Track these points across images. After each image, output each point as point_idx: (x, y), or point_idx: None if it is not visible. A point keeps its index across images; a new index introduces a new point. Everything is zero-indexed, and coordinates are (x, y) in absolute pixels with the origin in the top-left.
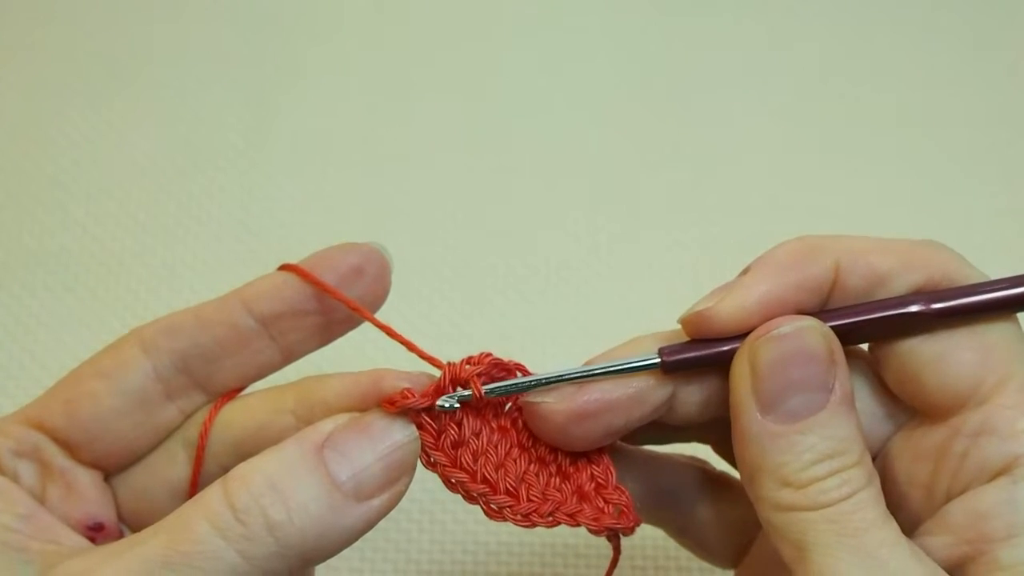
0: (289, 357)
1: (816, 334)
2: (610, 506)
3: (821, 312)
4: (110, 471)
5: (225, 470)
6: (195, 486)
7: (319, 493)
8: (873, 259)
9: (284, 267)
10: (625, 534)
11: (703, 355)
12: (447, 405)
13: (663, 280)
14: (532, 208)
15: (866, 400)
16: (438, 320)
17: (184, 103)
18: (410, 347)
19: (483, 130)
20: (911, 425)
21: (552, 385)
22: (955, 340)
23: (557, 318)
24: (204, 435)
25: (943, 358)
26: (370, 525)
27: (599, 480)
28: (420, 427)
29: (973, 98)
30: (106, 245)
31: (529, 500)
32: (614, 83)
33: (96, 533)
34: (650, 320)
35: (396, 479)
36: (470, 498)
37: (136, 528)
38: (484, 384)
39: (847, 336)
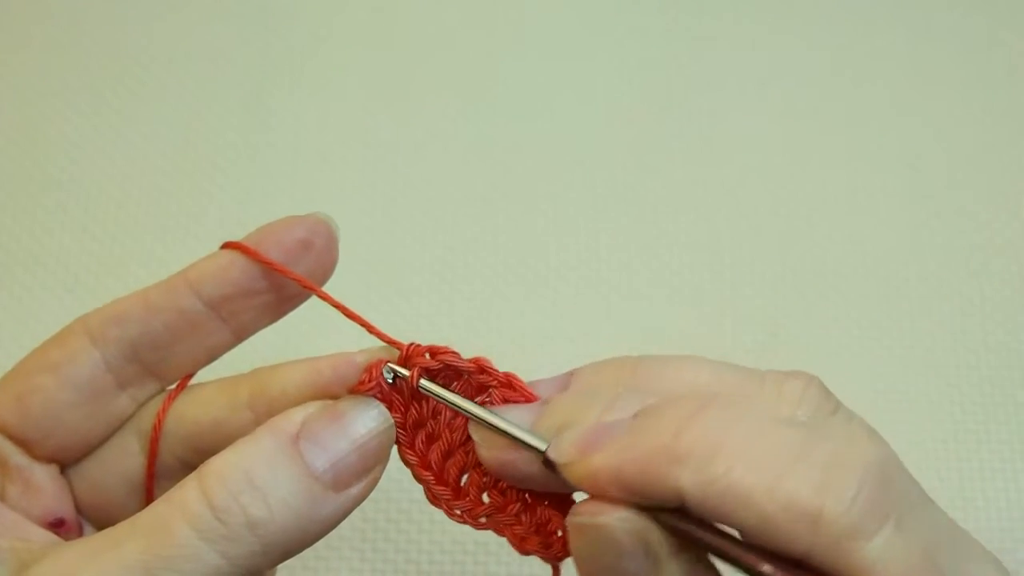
0: (241, 336)
1: (615, 532)
2: (553, 525)
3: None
4: (66, 464)
5: (180, 462)
6: (151, 478)
7: (298, 486)
8: (726, 505)
9: (227, 245)
10: (548, 563)
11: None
12: (387, 377)
13: (663, 280)
14: (532, 208)
15: None
16: (437, 320)
17: (184, 103)
18: (369, 328)
19: (483, 130)
20: None
21: (494, 420)
22: None
23: (557, 317)
24: (158, 427)
25: None
26: (347, 514)
27: (557, 500)
28: (388, 404)
29: (973, 98)
30: (106, 245)
31: (466, 497)
32: (614, 83)
33: (57, 529)
34: (649, 320)
35: (372, 466)
36: (418, 480)
37: (95, 521)
38: (427, 378)
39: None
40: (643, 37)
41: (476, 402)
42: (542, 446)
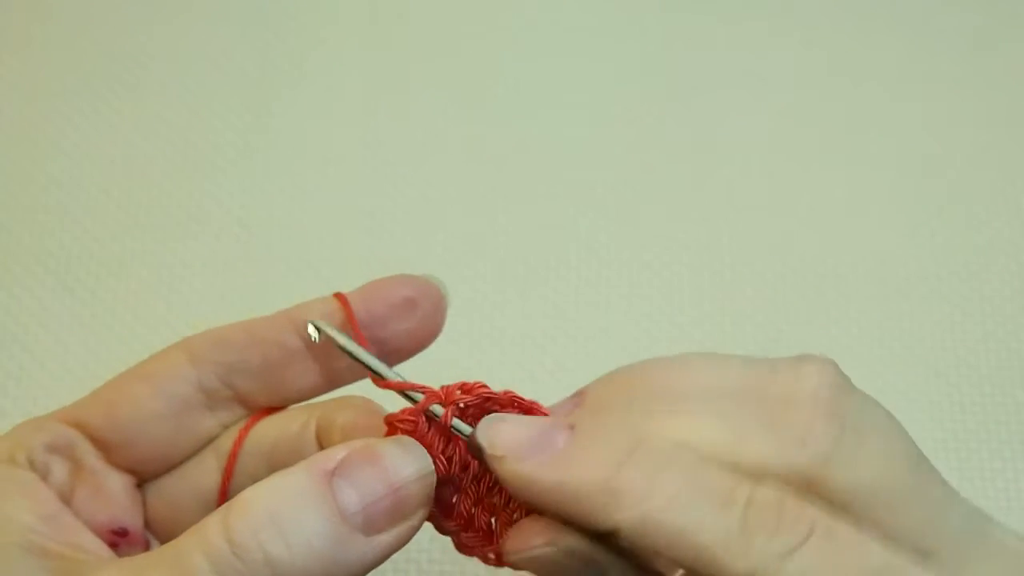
0: (334, 384)
1: (552, 561)
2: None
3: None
4: (143, 477)
5: (256, 480)
6: (223, 498)
7: (325, 526)
8: (669, 544)
9: (337, 296)
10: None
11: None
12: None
13: (663, 279)
14: (532, 207)
15: None
16: None
17: (184, 103)
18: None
19: (483, 130)
20: None
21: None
22: None
23: (557, 317)
24: (236, 446)
25: None
26: (378, 561)
27: None
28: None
29: (973, 98)
30: (106, 245)
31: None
32: (614, 82)
33: (120, 538)
34: (649, 321)
35: (409, 513)
36: (442, 531)
37: (162, 536)
38: (457, 416)
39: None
40: (643, 36)
41: None
42: (466, 431)
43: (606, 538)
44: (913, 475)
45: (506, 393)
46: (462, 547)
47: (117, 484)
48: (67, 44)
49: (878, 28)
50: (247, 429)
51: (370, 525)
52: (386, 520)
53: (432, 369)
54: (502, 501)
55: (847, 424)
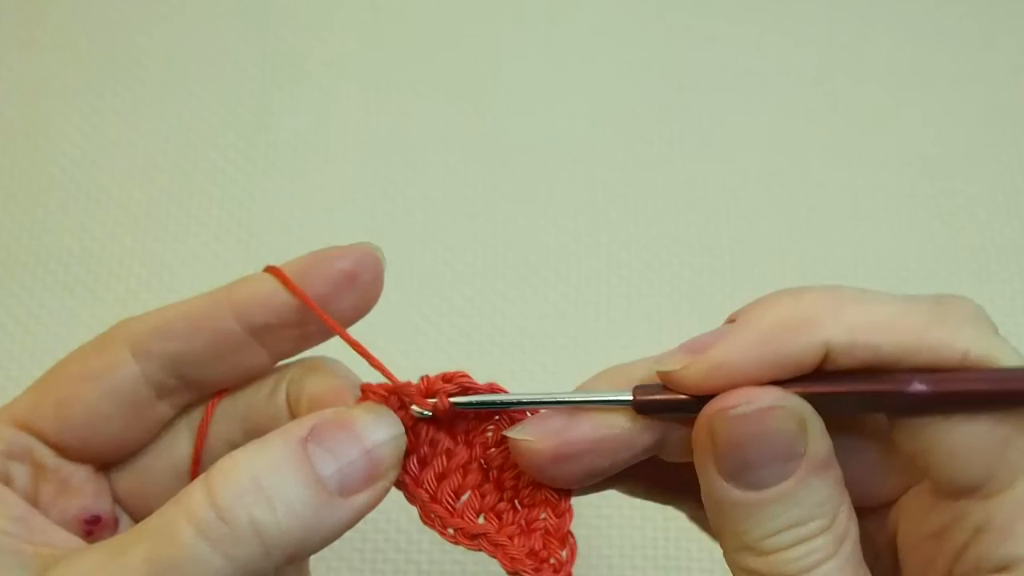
0: (280, 359)
1: (781, 415)
2: (545, 552)
3: (799, 380)
4: (105, 465)
5: (232, 445)
6: (196, 469)
7: (304, 491)
8: (875, 339)
9: (269, 269)
10: None
11: (677, 402)
12: (419, 413)
13: (663, 279)
14: (532, 208)
15: (876, 453)
16: (436, 320)
17: (184, 103)
18: (383, 371)
19: (483, 130)
20: (924, 486)
21: (534, 421)
22: (966, 428)
23: (557, 317)
24: (202, 430)
25: (953, 444)
26: (353, 522)
27: (551, 522)
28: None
29: (974, 97)
30: (106, 245)
31: (461, 517)
32: (614, 83)
33: (93, 526)
34: (649, 321)
35: (381, 474)
36: (411, 500)
37: (137, 512)
38: (452, 397)
39: (832, 406)
40: (644, 36)
41: (490, 428)
42: (628, 394)
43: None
44: None
45: (489, 385)
46: (427, 519)
47: (79, 476)
48: (67, 44)
49: (878, 28)
50: (209, 414)
51: (346, 487)
52: (361, 482)
53: (432, 368)
54: (468, 483)
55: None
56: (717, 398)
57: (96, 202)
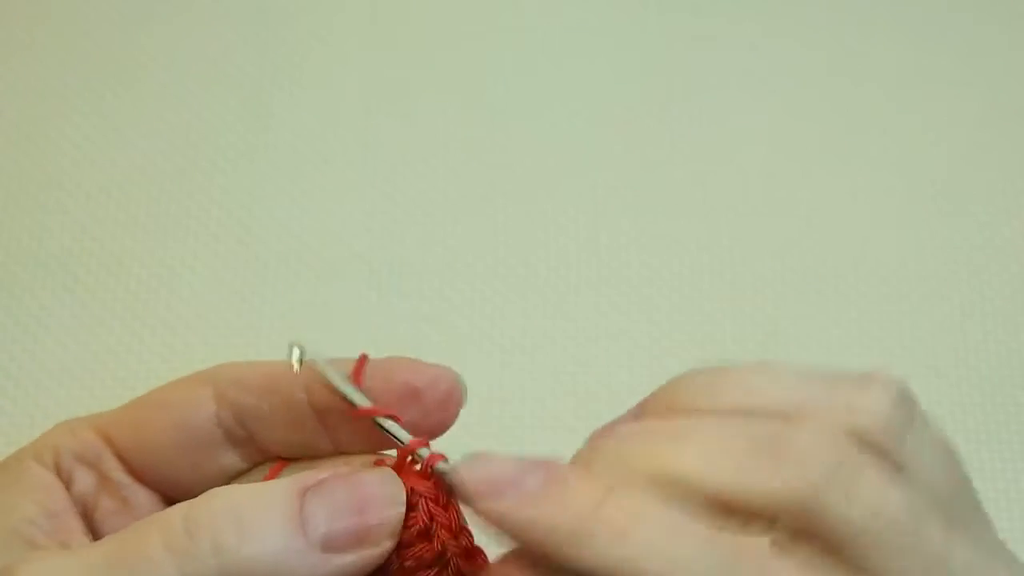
0: (340, 450)
1: None
2: None
3: None
4: (171, 497)
5: None
6: None
7: (280, 530)
8: None
9: (361, 357)
10: None
11: None
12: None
13: (663, 279)
14: (532, 208)
15: None
16: (436, 320)
17: (184, 103)
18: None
19: (482, 130)
20: None
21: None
22: None
23: (557, 317)
24: None
25: None
26: None
27: None
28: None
29: (973, 98)
30: (106, 245)
31: None
32: (613, 83)
33: None
34: (649, 321)
35: (372, 542)
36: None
37: None
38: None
39: None
40: (643, 36)
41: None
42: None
43: None
44: (934, 531)
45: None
46: None
47: (143, 499)
48: (67, 44)
49: (878, 28)
50: (269, 478)
51: (330, 542)
52: (348, 542)
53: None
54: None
55: (875, 460)
56: None
57: (96, 202)
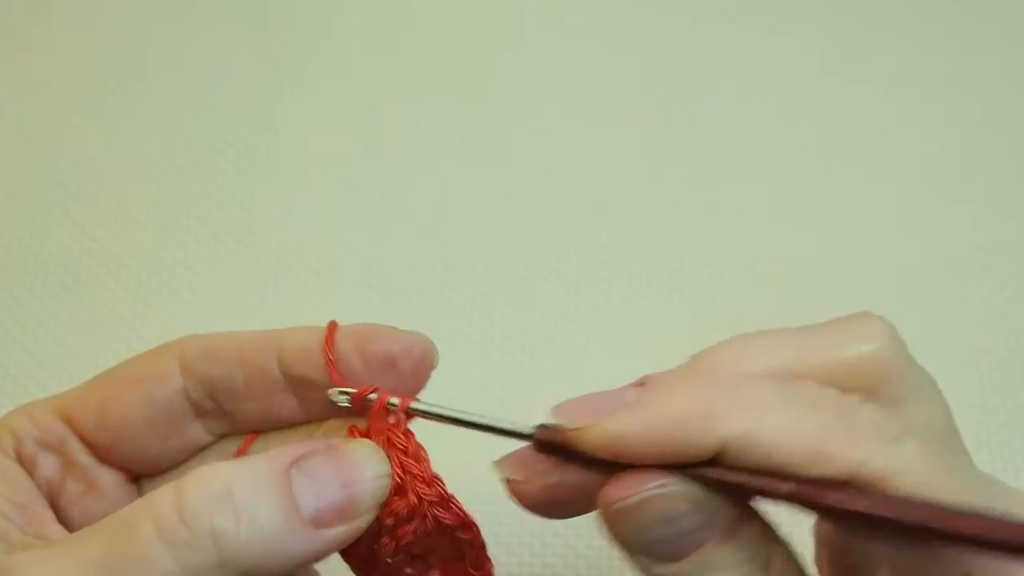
0: (313, 419)
1: (663, 501)
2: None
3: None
4: (136, 475)
5: None
6: None
7: (275, 511)
8: (767, 448)
9: (331, 325)
10: None
11: (572, 452)
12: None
13: (664, 279)
14: (532, 208)
15: None
16: (436, 320)
17: (184, 103)
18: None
19: (483, 130)
20: None
21: (519, 460)
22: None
23: (556, 318)
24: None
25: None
26: (320, 555)
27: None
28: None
29: (973, 98)
30: (106, 245)
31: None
32: (614, 83)
33: None
34: (649, 319)
35: (358, 513)
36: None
37: None
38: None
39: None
40: (643, 37)
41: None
42: (530, 430)
43: (701, 476)
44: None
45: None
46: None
47: (109, 480)
48: (67, 44)
49: (878, 28)
50: (241, 451)
51: (320, 518)
52: (337, 516)
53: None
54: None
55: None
56: (606, 486)
57: (96, 202)
